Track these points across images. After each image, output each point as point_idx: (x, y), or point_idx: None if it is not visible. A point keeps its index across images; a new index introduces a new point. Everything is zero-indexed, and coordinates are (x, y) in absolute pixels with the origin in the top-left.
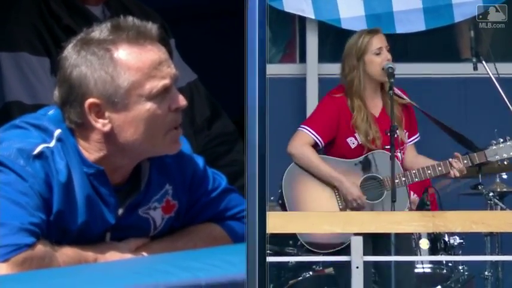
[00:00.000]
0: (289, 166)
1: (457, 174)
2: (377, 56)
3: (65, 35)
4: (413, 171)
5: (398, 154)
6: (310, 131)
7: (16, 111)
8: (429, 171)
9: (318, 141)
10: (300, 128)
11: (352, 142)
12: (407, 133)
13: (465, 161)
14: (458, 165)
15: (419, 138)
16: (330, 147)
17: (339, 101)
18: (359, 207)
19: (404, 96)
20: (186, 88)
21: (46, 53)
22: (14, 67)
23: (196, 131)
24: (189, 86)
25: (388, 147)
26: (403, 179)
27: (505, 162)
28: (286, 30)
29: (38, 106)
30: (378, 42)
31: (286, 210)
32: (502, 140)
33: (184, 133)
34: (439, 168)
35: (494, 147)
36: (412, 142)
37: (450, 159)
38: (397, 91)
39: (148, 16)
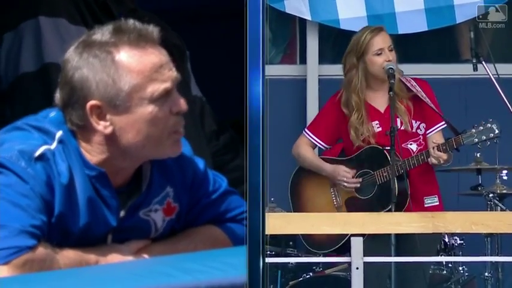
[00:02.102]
0: (294, 170)
1: (434, 162)
2: (378, 57)
3: (102, 13)
4: (400, 163)
5: (411, 146)
6: (308, 134)
7: (54, 73)
8: (413, 161)
9: (318, 143)
10: (303, 131)
11: (354, 140)
12: (421, 124)
13: (444, 147)
14: (435, 152)
15: (444, 126)
16: (344, 149)
17: (338, 102)
18: (348, 185)
19: (417, 86)
20: (199, 98)
21: (84, 24)
22: (53, 31)
23: (207, 139)
24: (201, 98)
25: (388, 148)
26: (390, 171)
27: (479, 146)
28: (287, 31)
29: None
30: (380, 42)
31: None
32: (483, 123)
33: (196, 137)
34: (422, 157)
35: (472, 130)
36: (433, 132)
37: (430, 148)
38: (411, 82)
39: (165, 29)
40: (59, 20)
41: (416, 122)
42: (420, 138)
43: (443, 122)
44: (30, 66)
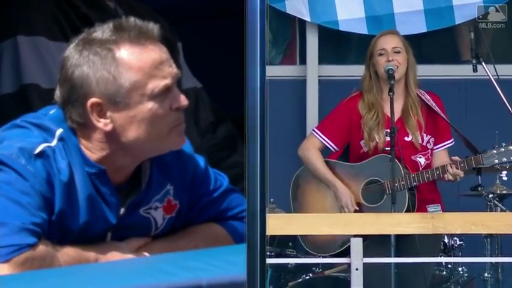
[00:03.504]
0: (298, 170)
1: (451, 178)
2: (380, 57)
3: (82, 24)
4: (413, 175)
5: (420, 159)
6: (319, 135)
7: (33, 94)
8: (427, 175)
9: (328, 144)
10: (311, 131)
11: (364, 145)
12: (431, 138)
13: (462, 165)
14: (453, 169)
15: (452, 144)
16: (349, 152)
17: (352, 103)
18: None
19: (431, 100)
20: (192, 90)
21: (64, 38)
22: (31, 50)
23: (201, 134)
24: (195, 90)
25: (388, 149)
26: (402, 182)
27: (499, 167)
28: (286, 32)
29: (54, 90)
30: (383, 43)
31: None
32: (504, 144)
33: (189, 134)
34: (437, 172)
35: (493, 151)
36: (441, 148)
37: (447, 164)
38: (426, 96)
39: (156, 20)
40: (38, 39)
41: (427, 136)
42: (429, 152)
43: (452, 140)
44: (9, 87)
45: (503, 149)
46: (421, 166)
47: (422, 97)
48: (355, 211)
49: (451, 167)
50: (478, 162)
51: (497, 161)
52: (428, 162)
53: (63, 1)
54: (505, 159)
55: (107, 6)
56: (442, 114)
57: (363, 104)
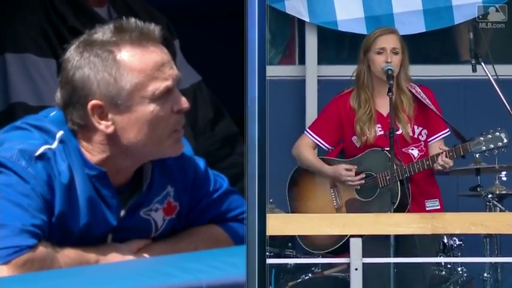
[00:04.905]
0: (293, 170)
1: (440, 168)
2: (378, 56)
3: (71, 37)
4: (404, 167)
5: (412, 151)
6: (310, 134)
7: (20, 113)
8: (418, 166)
9: (319, 143)
10: (304, 131)
11: (356, 141)
12: (423, 130)
13: (450, 154)
14: (442, 158)
15: (446, 134)
16: (344, 149)
17: (342, 100)
18: (354, 184)
19: (421, 93)
20: (190, 90)
21: (52, 54)
22: (19, 68)
23: (198, 133)
24: (192, 88)
25: (388, 149)
26: (394, 175)
27: (487, 154)
28: (286, 32)
29: (43, 108)
30: (383, 42)
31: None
32: (491, 131)
33: (186, 135)
34: (427, 163)
35: (481, 138)
36: (435, 140)
37: (436, 154)
38: (416, 89)
39: (153, 16)
40: (26, 56)
41: (418, 128)
42: (422, 144)
43: (447, 130)
44: None
45: (490, 136)
46: (414, 158)
47: (413, 90)
48: (358, 175)
49: (440, 156)
50: (465, 149)
51: (484, 147)
52: (423, 154)
53: (53, 13)
54: (492, 146)
55: (98, 16)
56: (432, 106)
57: (356, 99)
